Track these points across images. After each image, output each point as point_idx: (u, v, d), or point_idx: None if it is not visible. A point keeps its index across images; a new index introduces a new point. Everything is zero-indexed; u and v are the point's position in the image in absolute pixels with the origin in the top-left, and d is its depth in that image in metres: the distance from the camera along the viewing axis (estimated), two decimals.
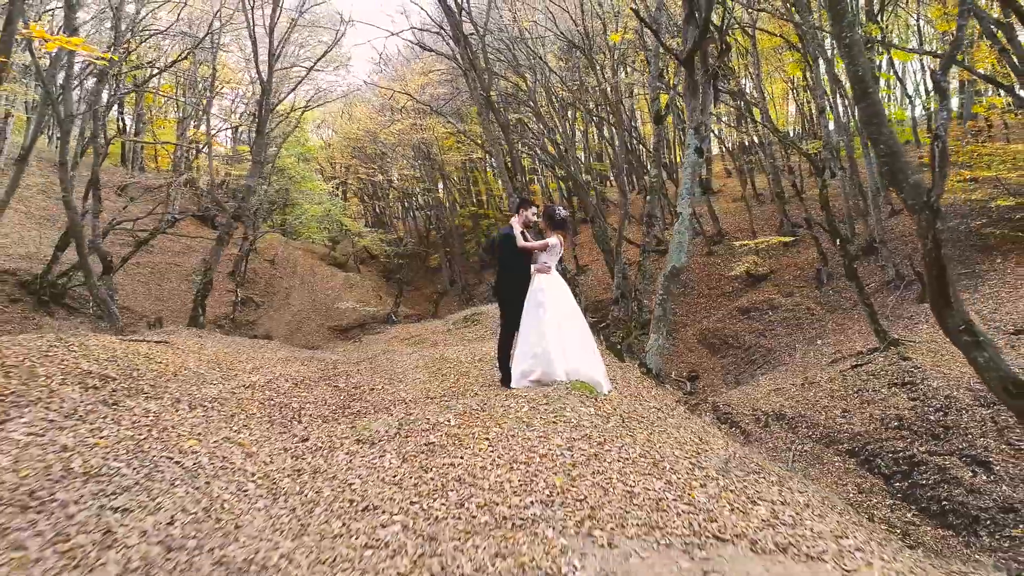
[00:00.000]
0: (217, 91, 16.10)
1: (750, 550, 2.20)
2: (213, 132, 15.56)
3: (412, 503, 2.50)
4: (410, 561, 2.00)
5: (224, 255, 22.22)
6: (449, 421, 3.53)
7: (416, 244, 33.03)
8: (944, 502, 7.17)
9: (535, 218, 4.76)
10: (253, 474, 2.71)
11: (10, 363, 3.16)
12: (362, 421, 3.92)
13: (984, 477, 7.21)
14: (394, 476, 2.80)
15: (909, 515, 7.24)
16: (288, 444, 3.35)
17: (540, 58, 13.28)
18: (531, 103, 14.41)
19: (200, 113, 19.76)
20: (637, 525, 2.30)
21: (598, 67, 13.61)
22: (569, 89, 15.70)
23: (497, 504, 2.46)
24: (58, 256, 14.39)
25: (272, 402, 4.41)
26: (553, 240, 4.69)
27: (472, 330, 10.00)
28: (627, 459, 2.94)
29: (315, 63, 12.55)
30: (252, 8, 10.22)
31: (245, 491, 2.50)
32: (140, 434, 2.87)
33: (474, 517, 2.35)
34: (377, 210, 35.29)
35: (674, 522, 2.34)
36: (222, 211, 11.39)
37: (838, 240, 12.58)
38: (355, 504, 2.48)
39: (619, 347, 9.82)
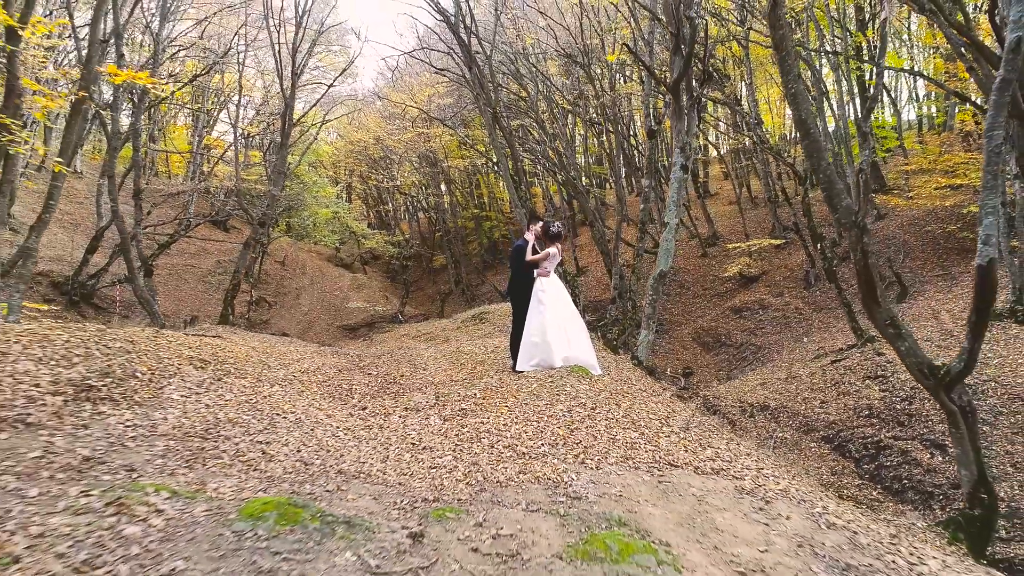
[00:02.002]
0: (231, 100, 17.11)
1: (693, 472, 3.23)
2: (235, 140, 16.53)
3: (456, 445, 3.54)
4: (462, 474, 3.04)
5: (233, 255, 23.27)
6: (475, 395, 4.57)
7: (420, 245, 34.02)
8: (905, 481, 8.27)
9: (540, 227, 5.84)
10: (337, 428, 3.75)
11: (142, 348, 4.19)
12: (404, 397, 4.97)
13: (940, 458, 8.28)
14: (440, 430, 3.84)
15: (874, 493, 8.33)
16: (351, 412, 4.39)
17: (542, 73, 14.33)
18: (533, 112, 15.42)
19: (211, 123, 20.80)
20: (616, 457, 3.34)
21: (597, 81, 14.63)
22: (569, 102, 16.71)
23: (517, 446, 3.50)
24: (88, 259, 15.46)
25: (326, 383, 5.46)
26: (552, 250, 5.75)
27: (481, 328, 11.04)
28: (612, 419, 3.98)
29: (333, 81, 13.61)
30: (278, 30, 11.28)
31: (337, 436, 3.54)
32: (250, 399, 3.90)
33: (502, 453, 3.39)
34: (382, 214, 36.38)
35: (642, 456, 3.38)
36: (249, 217, 12.40)
37: (819, 245, 13.61)
38: (416, 446, 3.52)
39: (615, 343, 10.85)
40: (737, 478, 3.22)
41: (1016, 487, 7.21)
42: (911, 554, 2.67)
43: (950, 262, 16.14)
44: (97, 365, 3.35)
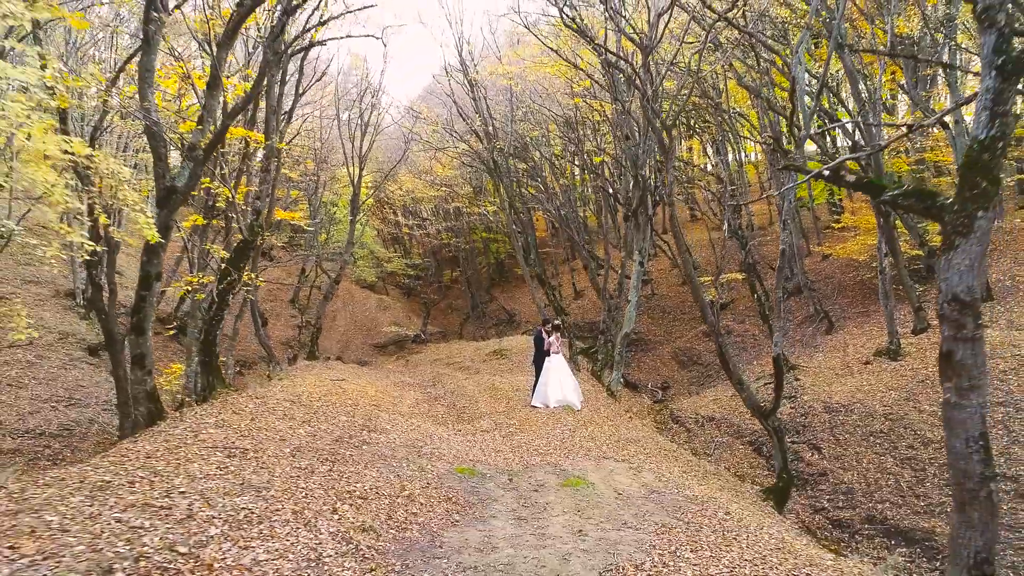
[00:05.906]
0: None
1: (614, 460, 8.00)
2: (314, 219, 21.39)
3: (511, 449, 8.32)
4: (517, 460, 7.83)
5: (284, 286, 28.14)
6: (515, 423, 9.36)
7: (432, 261, 38.77)
8: (792, 473, 13.00)
9: (550, 327, 10.64)
10: (456, 441, 8.52)
11: (328, 387, 8.96)
12: (474, 423, 9.76)
13: (816, 456, 13.08)
14: (501, 442, 8.62)
15: (772, 480, 13.07)
16: (454, 432, 9.19)
17: (546, 157, 19.04)
18: (539, 178, 20.17)
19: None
20: (581, 454, 8.12)
21: (587, 155, 19.43)
22: (567, 158, 21.39)
23: (538, 449, 8.28)
24: (185, 298, 20.30)
25: (429, 415, 10.25)
26: (552, 339, 10.54)
27: (503, 363, 15.86)
28: (582, 436, 8.76)
29: (389, 172, 18.27)
30: (352, 141, 15.99)
31: (452, 442, 8.32)
32: (415, 428, 8.68)
33: (532, 452, 8.17)
34: (397, 234, 41.24)
35: (594, 453, 8.15)
36: (328, 276, 17.12)
37: (755, 295, 18.43)
38: (492, 447, 8.32)
39: (599, 373, 15.65)
40: (631, 463, 7.98)
41: (856, 475, 12.02)
42: (688, 489, 7.42)
43: (869, 301, 20.90)
44: (361, 414, 8.16)
